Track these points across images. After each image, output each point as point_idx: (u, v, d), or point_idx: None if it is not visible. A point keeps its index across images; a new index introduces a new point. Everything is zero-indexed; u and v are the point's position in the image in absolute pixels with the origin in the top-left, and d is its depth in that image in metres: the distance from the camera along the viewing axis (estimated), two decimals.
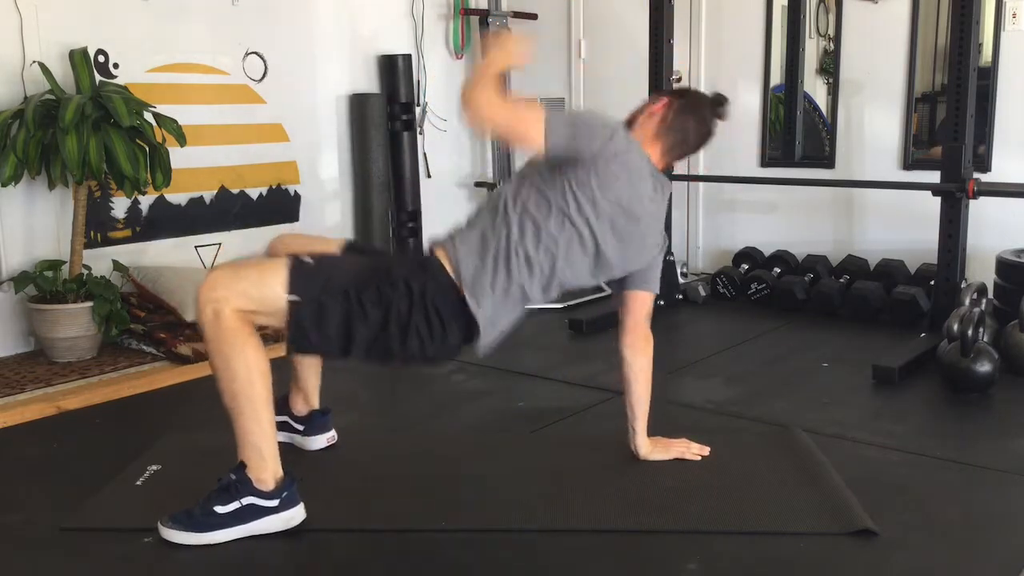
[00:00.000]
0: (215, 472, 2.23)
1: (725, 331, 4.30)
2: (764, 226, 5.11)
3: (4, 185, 3.59)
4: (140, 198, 4.23)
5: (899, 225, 4.59)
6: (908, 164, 4.61)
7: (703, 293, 4.81)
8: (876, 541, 2.15)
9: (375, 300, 2.13)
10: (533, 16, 5.74)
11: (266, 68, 4.76)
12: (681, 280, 4.91)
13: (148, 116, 3.81)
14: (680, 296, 4.79)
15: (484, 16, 5.61)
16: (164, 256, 4.36)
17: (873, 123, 4.73)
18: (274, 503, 2.17)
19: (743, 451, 2.72)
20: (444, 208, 5.69)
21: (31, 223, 3.94)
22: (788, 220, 5.02)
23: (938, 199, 3.91)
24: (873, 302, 4.29)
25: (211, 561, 2.12)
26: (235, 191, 4.67)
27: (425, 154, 5.54)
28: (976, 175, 3.91)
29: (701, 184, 5.29)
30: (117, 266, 4.03)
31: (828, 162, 4.87)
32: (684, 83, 5.19)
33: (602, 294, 4.47)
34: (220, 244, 4.62)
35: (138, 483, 2.52)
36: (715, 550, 2.14)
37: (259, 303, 2.12)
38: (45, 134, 3.60)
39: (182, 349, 3.75)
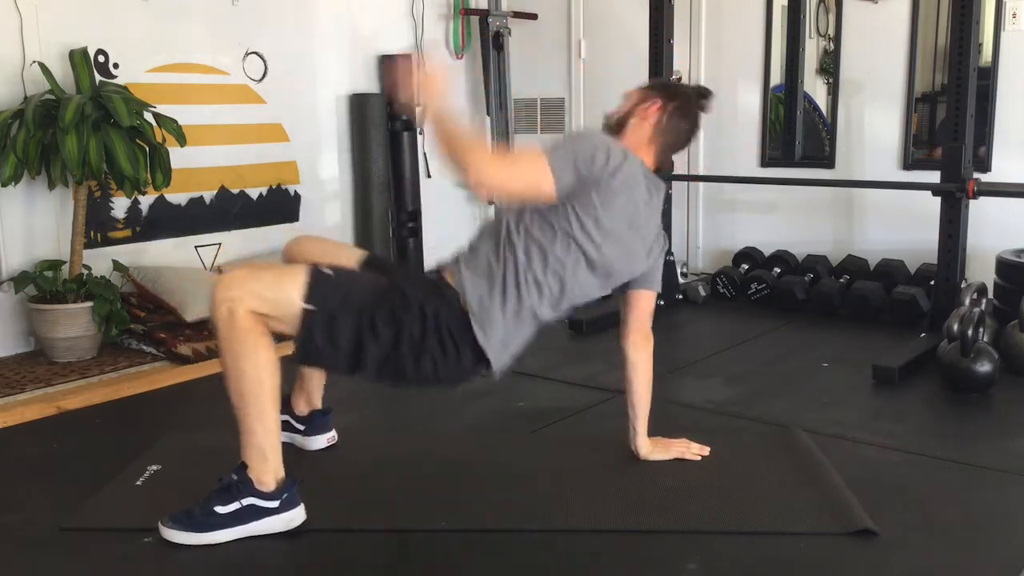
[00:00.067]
0: (215, 472, 2.23)
1: (725, 331, 4.30)
2: (764, 226, 5.11)
3: (4, 185, 3.59)
4: (140, 198, 4.23)
5: (899, 225, 4.59)
6: (908, 164, 4.61)
7: (703, 293, 4.81)
8: (876, 541, 2.15)
9: (388, 320, 2.13)
10: (533, 16, 5.74)
11: (266, 68, 4.76)
12: (681, 280, 4.91)
13: (148, 116, 3.82)
14: (680, 296, 4.79)
15: (484, 16, 5.61)
16: (164, 256, 4.36)
17: (873, 123, 4.72)
18: (274, 504, 2.17)
19: (743, 451, 2.72)
20: (444, 208, 5.69)
21: (31, 223, 3.94)
22: (788, 220, 5.02)
23: (938, 199, 3.91)
24: (873, 302, 4.29)
25: (211, 561, 2.12)
26: (235, 191, 4.67)
27: (425, 154, 5.54)
28: (976, 175, 3.91)
29: (701, 184, 5.29)
30: (117, 266, 4.03)
31: (828, 162, 4.87)
32: (684, 83, 5.20)
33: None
34: (220, 244, 4.62)
35: (138, 483, 2.52)
36: (715, 550, 2.14)
37: (273, 307, 2.11)
38: (45, 134, 3.60)
39: (182, 349, 3.75)
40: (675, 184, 4.93)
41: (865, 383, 3.40)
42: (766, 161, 5.08)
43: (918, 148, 4.68)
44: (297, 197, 4.96)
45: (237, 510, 2.15)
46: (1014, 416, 3.10)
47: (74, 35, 3.94)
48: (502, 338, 2.21)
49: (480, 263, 2.24)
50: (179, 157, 4.07)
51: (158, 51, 4.30)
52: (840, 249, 4.78)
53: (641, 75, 4.66)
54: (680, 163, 5.05)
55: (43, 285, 3.71)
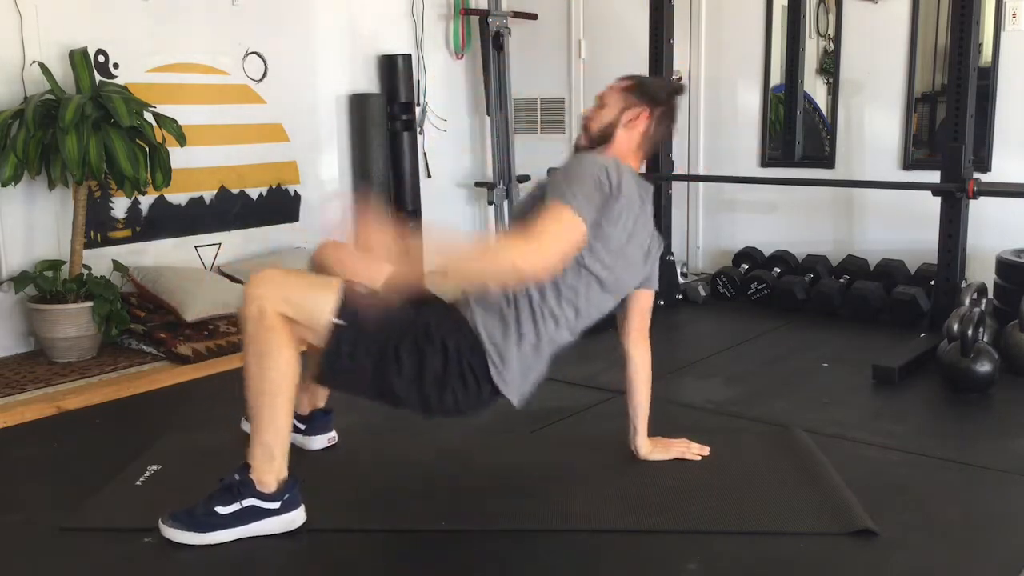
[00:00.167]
0: (215, 472, 2.23)
1: (725, 331, 4.30)
2: (764, 226, 5.11)
3: (4, 185, 3.59)
4: (140, 198, 4.23)
5: (899, 225, 4.59)
6: (908, 164, 4.61)
7: (703, 293, 4.81)
8: (876, 541, 2.15)
9: (411, 350, 2.14)
10: (533, 16, 5.74)
11: (266, 68, 4.76)
12: (681, 280, 4.91)
13: (148, 116, 3.82)
14: (680, 296, 4.79)
15: (484, 16, 5.61)
16: (164, 256, 4.36)
17: (873, 123, 4.72)
18: (275, 505, 2.17)
19: (743, 451, 2.72)
20: (444, 208, 5.70)
21: (31, 223, 3.94)
22: (788, 220, 5.02)
23: (938, 199, 3.91)
24: (873, 302, 4.29)
25: (211, 561, 2.12)
26: (235, 191, 4.67)
27: (425, 154, 5.54)
28: (976, 175, 3.91)
29: (701, 184, 5.29)
30: (117, 266, 4.03)
31: (828, 162, 4.87)
32: (683, 83, 5.19)
33: None
34: (220, 244, 4.62)
35: (138, 483, 2.52)
36: (715, 550, 2.14)
37: (303, 314, 2.11)
38: (45, 134, 3.60)
39: (182, 349, 3.75)
40: (675, 184, 4.94)
41: (865, 383, 3.40)
42: (766, 161, 5.09)
43: (918, 148, 4.68)
44: (297, 197, 4.96)
45: (238, 511, 2.15)
46: (1014, 416, 3.10)
47: (74, 35, 3.94)
48: (521, 371, 2.22)
49: (492, 302, 2.21)
50: (179, 157, 4.07)
51: (158, 51, 4.30)
52: (840, 249, 4.78)
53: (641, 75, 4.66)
54: (680, 163, 5.06)
55: (43, 285, 3.71)
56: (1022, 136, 4.30)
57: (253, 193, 4.75)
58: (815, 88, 5.10)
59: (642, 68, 4.63)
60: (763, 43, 5.03)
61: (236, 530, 2.16)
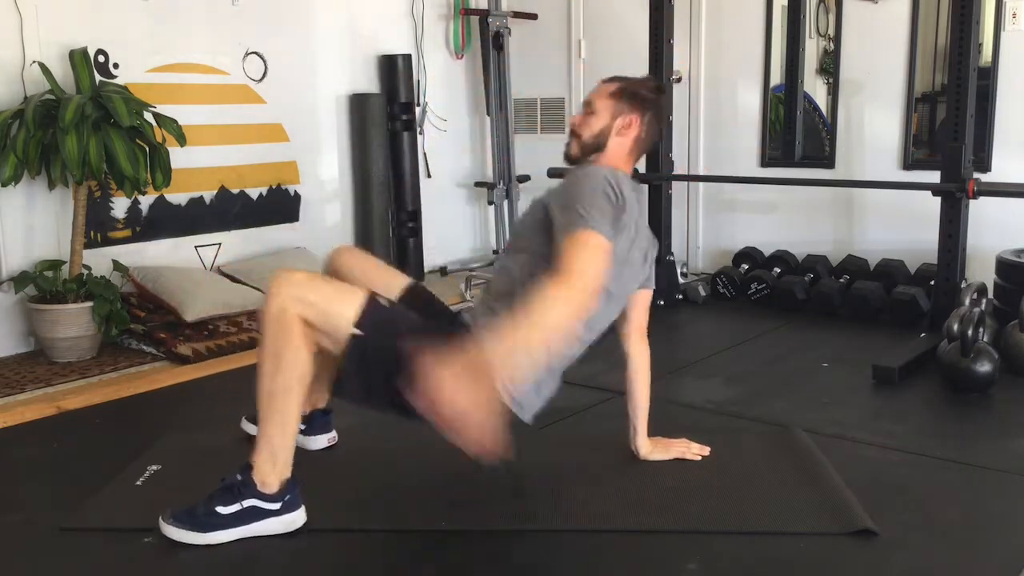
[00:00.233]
0: (215, 472, 2.23)
1: (725, 331, 4.30)
2: (764, 226, 5.11)
3: (4, 185, 3.59)
4: (140, 198, 4.23)
5: (899, 225, 4.59)
6: (908, 164, 4.61)
7: (703, 293, 4.81)
8: (876, 541, 2.15)
9: None
10: (533, 16, 5.74)
11: (266, 68, 4.76)
12: (681, 280, 4.91)
13: (148, 116, 3.82)
14: (680, 296, 4.79)
15: (484, 16, 5.61)
16: (164, 256, 4.36)
17: (873, 123, 4.73)
18: (276, 506, 2.17)
19: (743, 451, 2.72)
20: (444, 208, 5.70)
21: (31, 223, 3.94)
22: (788, 220, 5.02)
23: (938, 199, 3.91)
24: (873, 302, 4.29)
25: (211, 561, 2.12)
26: (235, 191, 4.67)
27: (425, 154, 5.54)
28: (976, 175, 3.91)
29: (701, 184, 5.29)
30: (117, 266, 4.03)
31: (828, 162, 4.87)
32: (684, 82, 5.20)
33: None
34: (220, 244, 4.62)
35: (138, 483, 2.52)
36: (715, 550, 2.14)
37: (324, 319, 2.11)
38: (45, 134, 3.60)
39: (182, 349, 3.75)
40: (675, 184, 4.94)
41: (865, 383, 3.40)
42: (766, 161, 5.09)
43: (918, 148, 4.68)
44: (297, 197, 4.96)
45: (239, 511, 2.15)
46: (1014, 416, 3.10)
47: (74, 35, 3.94)
48: (535, 391, 2.23)
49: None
50: (179, 157, 4.07)
51: (158, 51, 4.30)
52: (840, 249, 4.78)
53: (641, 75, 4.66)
54: (680, 163, 5.06)
55: (43, 285, 3.71)
56: (1022, 136, 4.30)
57: (253, 193, 4.75)
58: (815, 88, 5.10)
59: (642, 68, 4.63)
60: (763, 43, 5.03)
61: (236, 530, 2.16)
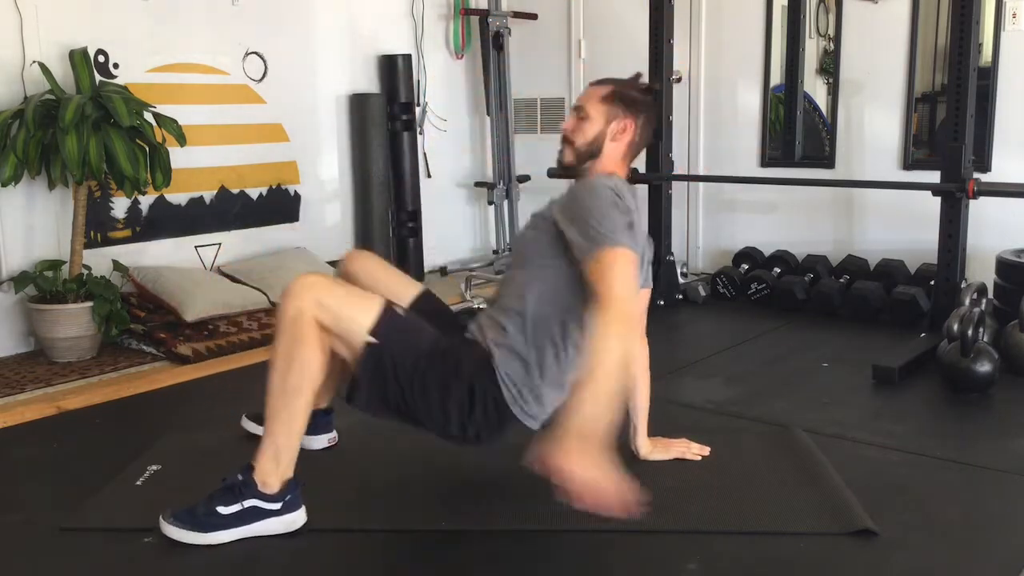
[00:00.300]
0: (215, 472, 2.23)
1: (725, 331, 4.30)
2: (764, 226, 5.11)
3: (4, 185, 3.59)
4: (140, 198, 4.23)
5: (899, 225, 4.59)
6: (908, 164, 4.61)
7: (703, 293, 4.81)
8: (876, 541, 2.15)
9: (438, 383, 2.16)
10: (533, 16, 5.74)
11: (266, 68, 4.76)
12: (681, 280, 4.91)
13: (148, 116, 3.82)
14: (680, 296, 4.79)
15: (484, 16, 5.61)
16: (164, 256, 4.36)
17: (873, 123, 4.72)
18: (277, 506, 2.18)
19: (743, 451, 2.72)
20: (444, 208, 5.70)
21: (31, 223, 3.94)
22: (788, 220, 5.02)
23: (938, 199, 3.91)
24: (873, 302, 4.29)
25: (211, 561, 2.12)
26: (235, 191, 4.67)
27: (425, 154, 5.54)
28: (976, 175, 3.91)
29: (701, 184, 5.29)
30: (117, 266, 4.03)
31: (828, 162, 4.87)
32: (684, 82, 5.20)
33: None
34: (220, 244, 4.62)
35: (138, 483, 2.52)
36: (715, 550, 2.14)
37: (339, 325, 2.12)
38: (45, 134, 3.60)
39: (182, 349, 3.75)
40: (675, 184, 4.94)
41: (865, 383, 3.40)
42: (766, 161, 5.08)
43: (918, 148, 4.68)
44: (297, 197, 4.96)
45: (239, 511, 2.15)
46: (1014, 416, 3.10)
47: (74, 35, 3.94)
48: (547, 401, 2.25)
49: (512, 344, 2.23)
50: (179, 157, 4.07)
51: (158, 51, 4.30)
52: (840, 249, 4.78)
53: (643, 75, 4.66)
54: (680, 163, 5.06)
55: (43, 285, 3.71)
56: (1022, 136, 4.30)
57: (253, 193, 4.75)
58: (815, 88, 5.10)
59: (642, 68, 4.60)
60: (763, 43, 5.03)
61: (237, 530, 2.16)
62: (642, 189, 4.64)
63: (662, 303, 4.58)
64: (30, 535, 2.28)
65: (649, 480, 2.46)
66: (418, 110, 5.45)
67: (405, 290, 2.48)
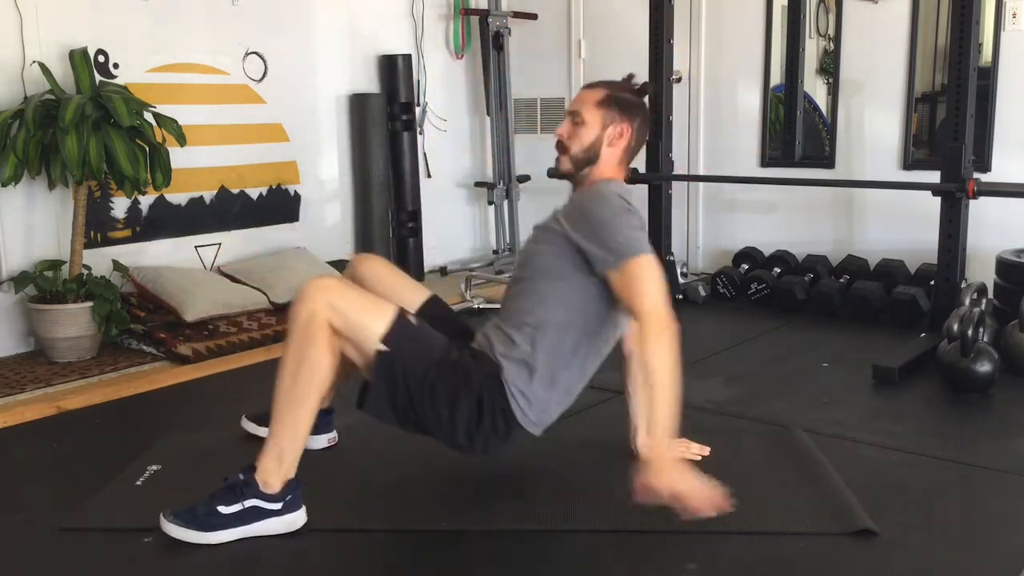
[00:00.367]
0: (215, 472, 2.23)
1: (725, 331, 4.30)
2: (764, 226, 5.11)
3: (4, 185, 3.59)
4: (140, 198, 4.23)
5: (899, 225, 4.59)
6: (908, 164, 4.61)
7: (703, 293, 4.81)
8: (876, 541, 2.15)
9: (447, 393, 2.18)
10: (533, 16, 5.74)
11: (266, 68, 4.76)
12: (681, 280, 4.91)
13: (148, 116, 3.82)
14: (680, 296, 4.79)
15: (484, 16, 5.61)
16: (164, 256, 4.36)
17: (873, 123, 4.72)
18: (277, 506, 2.18)
19: (743, 451, 2.72)
20: (444, 208, 5.70)
21: (31, 223, 3.94)
22: (788, 220, 5.02)
23: (938, 199, 3.91)
24: (873, 302, 4.28)
25: (211, 560, 2.12)
26: (235, 191, 4.67)
27: (425, 154, 5.54)
28: (976, 175, 3.91)
29: (701, 184, 5.29)
30: (117, 266, 4.03)
31: (828, 162, 4.87)
32: (684, 82, 5.20)
33: None
34: (220, 244, 4.62)
35: (138, 483, 2.52)
36: (715, 550, 2.14)
37: (352, 330, 2.13)
38: (45, 134, 3.60)
39: (182, 349, 3.75)
40: (675, 184, 4.94)
41: (865, 383, 3.40)
42: (766, 161, 5.09)
43: (918, 148, 4.68)
44: (297, 197, 4.96)
45: (240, 511, 2.16)
46: (1014, 416, 3.10)
47: (74, 35, 3.94)
48: (554, 408, 2.30)
49: (521, 356, 2.24)
50: (179, 157, 4.07)
51: (158, 51, 4.30)
52: (840, 249, 4.78)
53: (641, 75, 4.64)
54: (680, 163, 5.06)
55: (43, 285, 3.71)
56: (1022, 136, 4.30)
57: (253, 193, 4.75)
58: (815, 88, 5.10)
59: (642, 68, 4.63)
60: (763, 43, 5.03)
61: (237, 530, 2.16)
62: (642, 189, 4.65)
63: None
64: (30, 535, 2.28)
65: None
66: (418, 110, 5.45)
67: (413, 295, 2.49)
